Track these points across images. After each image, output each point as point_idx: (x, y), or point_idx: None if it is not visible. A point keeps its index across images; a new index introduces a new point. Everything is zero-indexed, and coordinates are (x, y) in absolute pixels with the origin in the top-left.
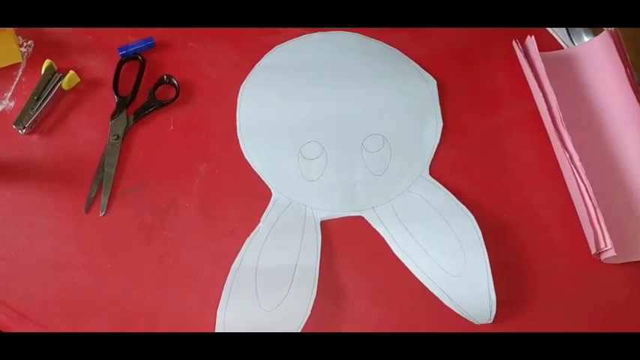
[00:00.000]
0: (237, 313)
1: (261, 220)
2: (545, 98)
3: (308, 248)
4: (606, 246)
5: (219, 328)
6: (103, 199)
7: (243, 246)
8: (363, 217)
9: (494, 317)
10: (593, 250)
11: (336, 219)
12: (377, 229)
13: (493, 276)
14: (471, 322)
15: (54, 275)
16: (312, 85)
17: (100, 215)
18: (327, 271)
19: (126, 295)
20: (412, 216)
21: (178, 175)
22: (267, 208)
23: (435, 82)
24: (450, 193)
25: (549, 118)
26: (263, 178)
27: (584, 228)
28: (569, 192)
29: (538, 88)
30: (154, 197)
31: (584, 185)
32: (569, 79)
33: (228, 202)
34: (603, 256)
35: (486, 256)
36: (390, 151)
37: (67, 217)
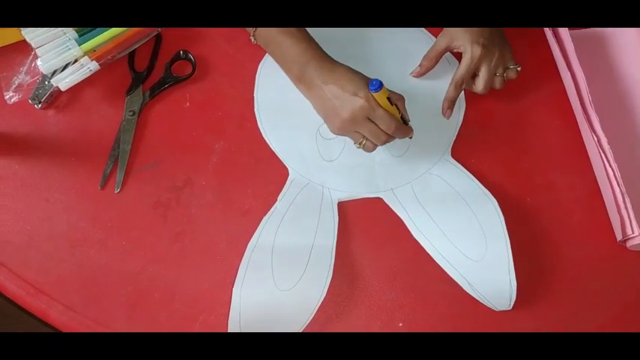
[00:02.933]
0: (252, 291)
1: (278, 199)
2: (574, 78)
3: (325, 229)
4: (633, 233)
5: (235, 306)
6: (119, 175)
7: (260, 225)
8: (381, 199)
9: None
10: (619, 237)
11: (353, 200)
12: (396, 212)
13: (514, 260)
14: (489, 308)
15: (69, 251)
16: None
17: (116, 192)
18: (343, 253)
19: (141, 272)
20: (432, 198)
21: (194, 152)
22: (284, 187)
23: (458, 63)
24: (472, 176)
25: (577, 100)
26: (280, 158)
27: (609, 214)
28: (595, 176)
29: (566, 68)
30: (169, 175)
31: (612, 170)
32: (599, 59)
33: (244, 180)
34: (629, 243)
35: (508, 242)
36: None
37: (82, 193)
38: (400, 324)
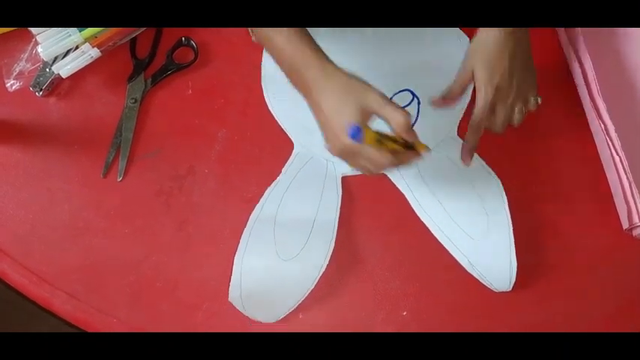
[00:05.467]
0: (254, 260)
1: (282, 171)
2: (581, 66)
3: (328, 203)
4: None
5: (236, 275)
6: (121, 163)
7: (263, 196)
8: (385, 175)
9: (516, 286)
10: (626, 225)
11: (357, 175)
12: (399, 188)
13: (519, 247)
14: (495, 298)
15: (72, 240)
16: (340, 38)
17: (118, 180)
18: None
19: (144, 260)
20: (436, 176)
21: (197, 140)
22: (289, 160)
23: (467, 39)
24: (477, 155)
25: (584, 87)
26: (285, 130)
27: (616, 202)
28: (601, 164)
29: (574, 55)
30: (172, 163)
31: (620, 158)
32: (607, 47)
33: (247, 168)
34: (635, 232)
35: (510, 222)
36: (418, 108)
37: (85, 181)
38: (404, 312)
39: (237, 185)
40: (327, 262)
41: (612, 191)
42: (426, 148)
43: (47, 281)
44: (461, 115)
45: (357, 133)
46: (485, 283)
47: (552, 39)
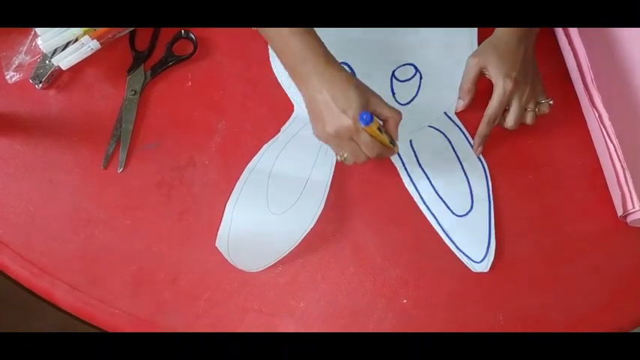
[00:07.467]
0: (245, 210)
1: (281, 130)
2: (575, 55)
3: (322, 165)
4: (634, 208)
5: (226, 221)
6: (122, 155)
7: (260, 150)
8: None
9: (511, 274)
10: (620, 212)
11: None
12: (390, 158)
13: (517, 234)
14: (496, 287)
15: (73, 231)
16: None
17: (119, 171)
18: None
19: (145, 251)
20: (428, 150)
21: (197, 132)
22: (288, 121)
23: None
24: (468, 135)
25: (579, 76)
26: (287, 93)
27: (610, 189)
28: (595, 152)
29: (568, 45)
30: (172, 154)
31: (614, 145)
32: (600, 37)
33: (246, 159)
34: (630, 219)
35: (492, 203)
36: (420, 82)
37: (85, 172)
38: (404, 300)
39: (237, 176)
40: (315, 223)
41: (606, 179)
42: (397, 147)
43: (48, 272)
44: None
45: (370, 118)
46: (464, 261)
47: (544, 29)
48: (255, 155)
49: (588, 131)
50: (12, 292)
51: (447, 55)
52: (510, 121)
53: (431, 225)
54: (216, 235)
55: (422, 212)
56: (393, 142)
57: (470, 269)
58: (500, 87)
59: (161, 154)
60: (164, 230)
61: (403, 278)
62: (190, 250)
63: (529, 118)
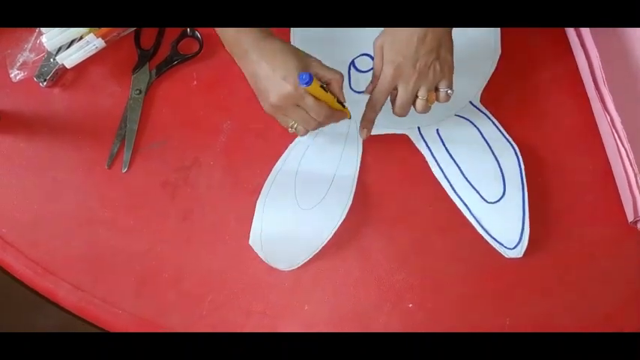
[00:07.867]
0: (275, 207)
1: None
2: (587, 56)
3: (348, 160)
4: None
5: (257, 220)
6: (126, 154)
7: (285, 152)
8: (406, 136)
9: (519, 279)
10: (631, 218)
11: (379, 135)
12: (419, 149)
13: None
14: (500, 290)
15: (77, 230)
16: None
17: (123, 171)
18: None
19: (149, 251)
20: (456, 139)
21: (202, 131)
22: None
23: None
24: (497, 122)
25: (590, 78)
26: None
27: (621, 194)
28: (606, 156)
29: (579, 46)
30: (177, 154)
31: (625, 150)
32: (613, 37)
33: (252, 160)
34: None
35: (525, 188)
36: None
37: (89, 172)
38: (410, 304)
39: (242, 176)
40: (346, 214)
41: (617, 184)
42: (349, 113)
43: (52, 272)
44: (484, 82)
45: (310, 79)
46: (496, 248)
47: (558, 29)
48: (278, 156)
49: (599, 134)
50: (15, 291)
51: (465, 43)
52: (396, 107)
53: (437, 228)
54: (221, 236)
55: (427, 215)
56: (341, 104)
57: (481, 271)
58: (383, 72)
59: (166, 154)
60: (168, 230)
61: (409, 282)
62: (195, 250)
63: (418, 106)
